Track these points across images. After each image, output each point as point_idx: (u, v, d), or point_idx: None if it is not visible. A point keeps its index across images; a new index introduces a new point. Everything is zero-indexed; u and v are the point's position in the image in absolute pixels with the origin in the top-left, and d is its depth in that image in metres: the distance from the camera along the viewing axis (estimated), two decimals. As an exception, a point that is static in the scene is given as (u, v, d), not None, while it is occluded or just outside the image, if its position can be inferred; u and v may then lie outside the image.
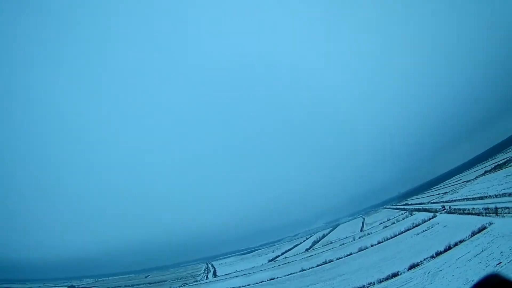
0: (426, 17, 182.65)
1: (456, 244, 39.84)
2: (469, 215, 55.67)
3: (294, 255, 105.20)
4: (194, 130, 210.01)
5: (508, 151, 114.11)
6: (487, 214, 48.37)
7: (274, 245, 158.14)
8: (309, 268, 66.37)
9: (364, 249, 68.46)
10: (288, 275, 66.94)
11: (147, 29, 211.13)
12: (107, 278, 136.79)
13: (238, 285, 71.03)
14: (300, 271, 66.63)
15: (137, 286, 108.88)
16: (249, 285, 68.74)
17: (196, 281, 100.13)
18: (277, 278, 67.15)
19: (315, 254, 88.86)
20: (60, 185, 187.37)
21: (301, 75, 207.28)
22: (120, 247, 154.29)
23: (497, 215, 45.64)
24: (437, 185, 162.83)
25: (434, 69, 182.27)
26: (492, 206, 48.59)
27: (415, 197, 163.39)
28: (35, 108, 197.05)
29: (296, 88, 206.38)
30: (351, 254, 67.98)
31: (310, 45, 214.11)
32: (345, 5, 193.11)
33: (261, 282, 68.14)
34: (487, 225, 42.09)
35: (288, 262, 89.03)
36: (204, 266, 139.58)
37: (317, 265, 67.46)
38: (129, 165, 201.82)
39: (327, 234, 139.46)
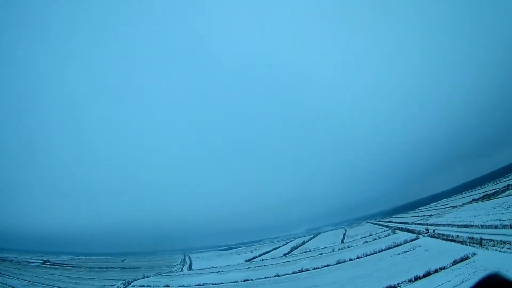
0: (434, 17, 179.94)
1: (436, 271, 38.94)
2: (453, 242, 54.93)
3: (272, 258, 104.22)
4: (190, 124, 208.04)
5: (498, 182, 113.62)
6: (471, 244, 47.56)
7: (253, 245, 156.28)
8: (285, 274, 65.41)
9: (342, 262, 67.63)
10: (262, 278, 65.96)
11: (147, 28, 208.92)
12: (83, 257, 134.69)
13: (211, 282, 69.99)
14: (275, 276, 65.69)
15: (112, 269, 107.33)
16: (222, 283, 67.76)
17: (171, 272, 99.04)
18: (251, 280, 66.17)
19: (292, 261, 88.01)
20: (49, 156, 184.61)
21: (300, 75, 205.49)
22: (101, 227, 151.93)
23: (481, 246, 44.82)
24: (423, 206, 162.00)
25: (439, 83, 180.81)
26: (477, 236, 47.82)
27: (399, 215, 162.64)
28: (31, 80, 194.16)
29: (295, 89, 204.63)
30: (328, 265, 67.11)
31: (309, 45, 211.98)
32: (348, 4, 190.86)
33: (235, 282, 67.23)
34: (470, 255, 41.25)
35: (264, 265, 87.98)
36: (181, 257, 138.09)
37: (293, 272, 66.50)
38: (123, 149, 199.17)
39: (307, 241, 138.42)
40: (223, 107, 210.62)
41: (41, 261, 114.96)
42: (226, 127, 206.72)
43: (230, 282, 67.22)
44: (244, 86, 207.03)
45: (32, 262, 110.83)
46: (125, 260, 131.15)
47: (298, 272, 65.90)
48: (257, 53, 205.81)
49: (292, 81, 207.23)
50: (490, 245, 42.68)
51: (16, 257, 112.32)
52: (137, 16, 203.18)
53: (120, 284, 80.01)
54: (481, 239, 45.84)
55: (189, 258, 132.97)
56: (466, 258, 40.15)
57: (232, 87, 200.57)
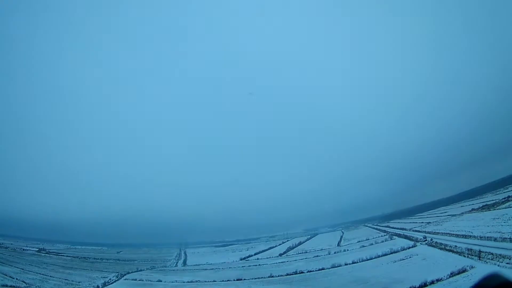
0: (446, 14, 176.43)
1: (432, 282, 38.19)
2: (450, 253, 54.27)
3: (267, 257, 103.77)
4: (190, 121, 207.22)
5: (498, 192, 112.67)
6: (469, 256, 46.85)
7: (250, 243, 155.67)
8: (278, 276, 64.85)
9: (337, 266, 66.96)
10: (255, 278, 65.54)
11: (145, 26, 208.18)
12: (79, 247, 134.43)
13: (203, 280, 69.56)
14: (268, 276, 65.20)
15: (107, 260, 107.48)
16: (215, 281, 67.30)
17: (164, 266, 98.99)
18: (244, 279, 65.70)
19: (287, 261, 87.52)
20: (49, 144, 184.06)
21: (303, 75, 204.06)
22: (99, 218, 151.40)
23: (479, 259, 44.12)
24: (421, 212, 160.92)
25: (444, 88, 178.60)
26: (476, 248, 47.12)
27: (397, 220, 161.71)
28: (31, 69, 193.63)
29: (297, 88, 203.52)
30: (323, 269, 66.51)
31: (308, 42, 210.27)
32: (348, 3, 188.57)
33: (228, 280, 66.78)
34: (468, 268, 40.52)
35: (259, 265, 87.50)
36: (177, 252, 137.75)
37: (287, 274, 65.94)
38: (124, 142, 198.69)
39: (303, 242, 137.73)
40: (224, 105, 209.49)
41: (37, 249, 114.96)
42: (227, 124, 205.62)
43: (222, 281, 66.79)
44: (246, 85, 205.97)
45: (28, 250, 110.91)
46: (120, 251, 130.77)
47: (292, 274, 65.37)
48: (257, 52, 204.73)
49: (294, 80, 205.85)
50: (488, 258, 41.99)
51: (11, 244, 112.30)
52: (141, 13, 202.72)
53: (113, 276, 79.67)
54: (480, 251, 45.20)
55: (185, 253, 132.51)
56: (464, 270, 39.43)
57: (232, 86, 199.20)
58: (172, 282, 75.71)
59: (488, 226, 64.81)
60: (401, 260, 60.08)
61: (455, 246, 56.60)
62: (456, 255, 50.48)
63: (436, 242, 68.79)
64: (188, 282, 71.32)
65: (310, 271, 65.84)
